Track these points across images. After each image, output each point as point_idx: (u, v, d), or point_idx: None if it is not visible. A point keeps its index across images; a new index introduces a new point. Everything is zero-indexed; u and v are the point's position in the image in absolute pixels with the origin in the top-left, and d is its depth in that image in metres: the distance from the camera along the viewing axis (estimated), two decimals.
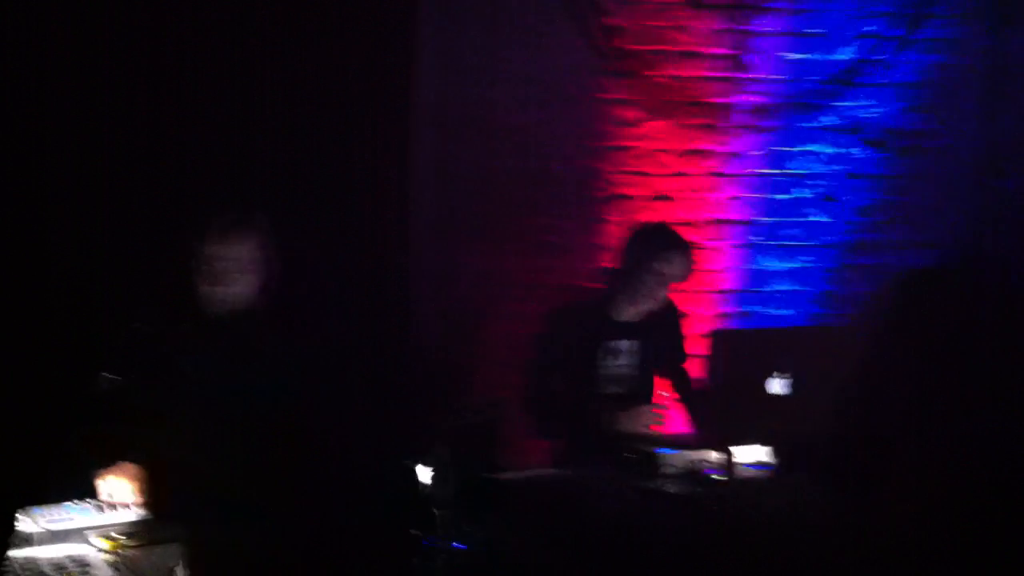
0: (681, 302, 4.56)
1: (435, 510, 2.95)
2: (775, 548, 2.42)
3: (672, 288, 4.33)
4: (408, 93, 4.72)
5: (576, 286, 4.96)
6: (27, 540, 2.89)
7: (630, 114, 5.18)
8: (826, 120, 5.35)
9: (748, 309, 5.36)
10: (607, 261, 4.58)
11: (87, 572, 2.80)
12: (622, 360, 4.33)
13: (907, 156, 5.41)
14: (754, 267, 5.37)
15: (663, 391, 4.54)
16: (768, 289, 5.38)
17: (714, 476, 3.70)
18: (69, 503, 3.12)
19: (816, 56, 5.32)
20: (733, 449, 3.78)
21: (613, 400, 4.25)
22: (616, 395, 4.29)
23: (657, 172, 5.23)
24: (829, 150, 5.38)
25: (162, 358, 3.50)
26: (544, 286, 5.02)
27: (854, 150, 5.38)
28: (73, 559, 2.84)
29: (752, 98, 5.28)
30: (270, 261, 3.60)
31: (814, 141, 5.36)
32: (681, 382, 4.48)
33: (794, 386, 3.72)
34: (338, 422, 3.63)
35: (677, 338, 4.50)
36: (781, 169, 5.35)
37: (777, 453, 3.73)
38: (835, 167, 5.39)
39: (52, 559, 2.83)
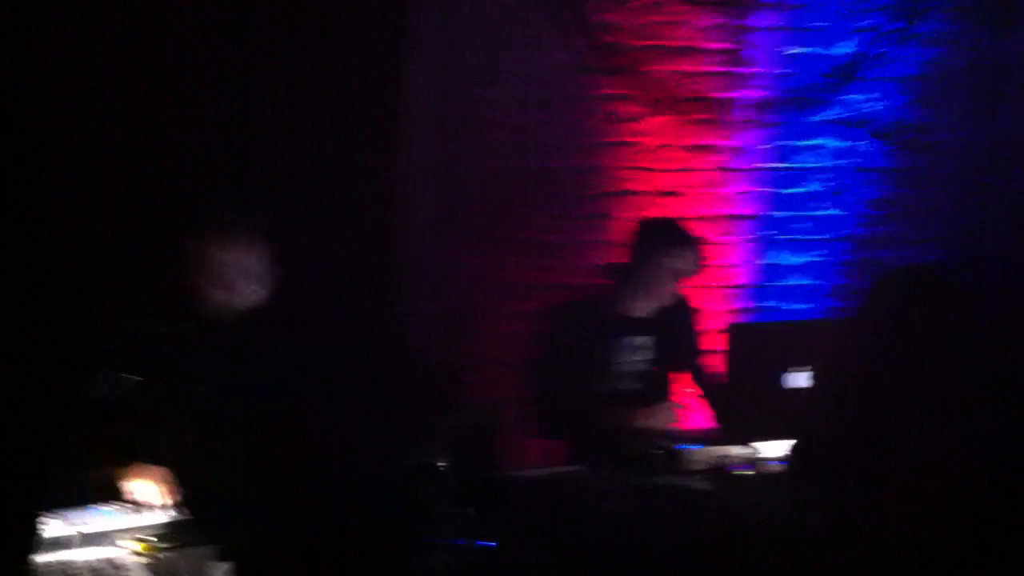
0: (694, 298, 4.54)
1: (435, 510, 2.95)
2: (775, 548, 2.42)
3: (684, 284, 4.31)
4: (408, 93, 4.72)
5: (576, 285, 4.95)
6: (60, 543, 2.90)
7: (631, 110, 5.17)
8: (830, 114, 5.35)
9: (763, 304, 5.35)
10: (613, 257, 4.56)
11: (123, 575, 2.81)
12: (633, 357, 4.29)
13: (914, 150, 5.41)
14: (767, 262, 5.36)
15: (684, 387, 4.52)
16: (783, 284, 5.38)
17: (738, 472, 3.68)
18: (100, 506, 3.12)
19: (816, 50, 5.32)
20: (756, 444, 3.75)
21: (625, 397, 4.22)
22: (628, 392, 4.25)
23: (662, 168, 5.23)
24: (835, 144, 5.38)
25: (162, 358, 3.50)
26: (544, 286, 5.02)
27: (860, 144, 5.38)
28: (109, 562, 2.84)
29: (754, 93, 5.27)
30: (274, 265, 3.60)
31: (820, 135, 5.36)
32: (696, 378, 4.44)
33: (813, 379, 3.68)
34: (338, 422, 3.62)
35: (690, 334, 4.46)
36: (788, 163, 5.35)
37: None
38: (842, 161, 5.39)
39: (88, 562, 2.84)
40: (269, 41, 4.48)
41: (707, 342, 4.50)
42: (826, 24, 5.31)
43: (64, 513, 3.04)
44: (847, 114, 5.36)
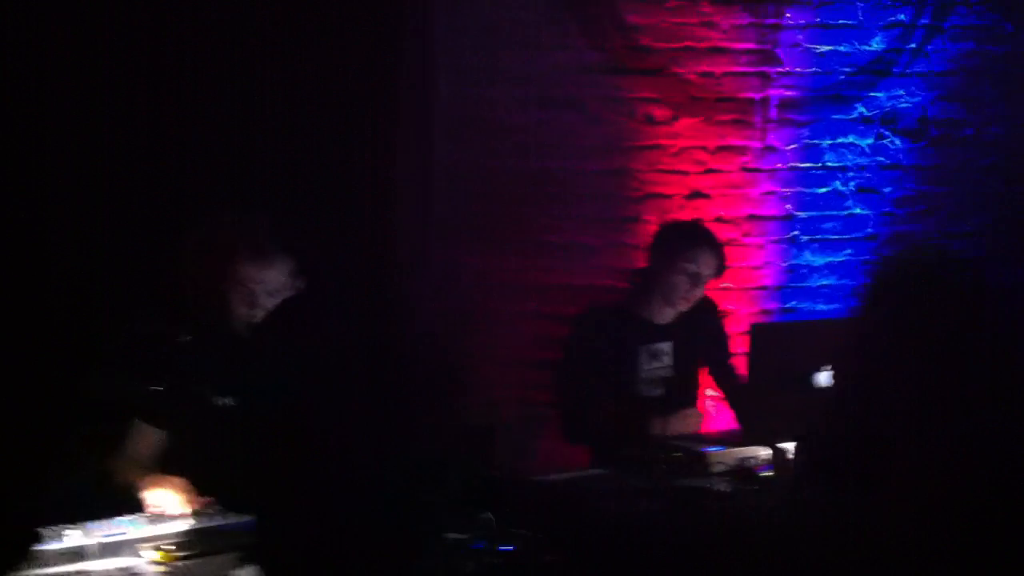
0: (723, 300, 4.52)
1: (438, 511, 2.95)
2: (775, 548, 2.42)
3: (710, 286, 4.27)
4: (408, 93, 4.73)
5: (603, 287, 4.91)
6: (79, 554, 2.89)
7: (658, 112, 5.15)
8: (859, 112, 5.32)
9: (791, 304, 5.32)
10: (639, 261, 4.52)
11: None
12: (656, 362, 4.25)
13: (943, 146, 5.38)
14: (795, 262, 5.33)
15: (709, 390, 4.49)
16: (811, 284, 5.34)
17: (765, 473, 3.66)
18: (120, 516, 3.11)
19: (844, 47, 5.28)
20: (782, 445, 3.72)
21: (649, 403, 4.18)
22: (656, 398, 4.21)
23: (690, 170, 5.20)
24: (864, 142, 5.34)
25: (162, 358, 3.50)
26: (546, 287, 5.02)
27: (889, 141, 5.35)
28: (128, 571, 2.84)
29: (781, 92, 5.25)
30: (296, 279, 3.57)
31: (848, 133, 5.33)
32: (729, 381, 4.38)
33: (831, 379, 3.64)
34: (338, 422, 3.62)
35: (721, 337, 4.41)
36: (815, 163, 5.32)
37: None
38: (871, 159, 5.35)
39: (107, 572, 2.83)
40: (269, 41, 4.48)
41: (734, 344, 4.47)
42: (854, 21, 5.27)
43: (83, 523, 3.03)
44: (875, 112, 5.33)
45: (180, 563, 2.92)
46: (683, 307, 4.22)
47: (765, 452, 3.68)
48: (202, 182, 4.36)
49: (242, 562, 2.83)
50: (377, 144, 4.66)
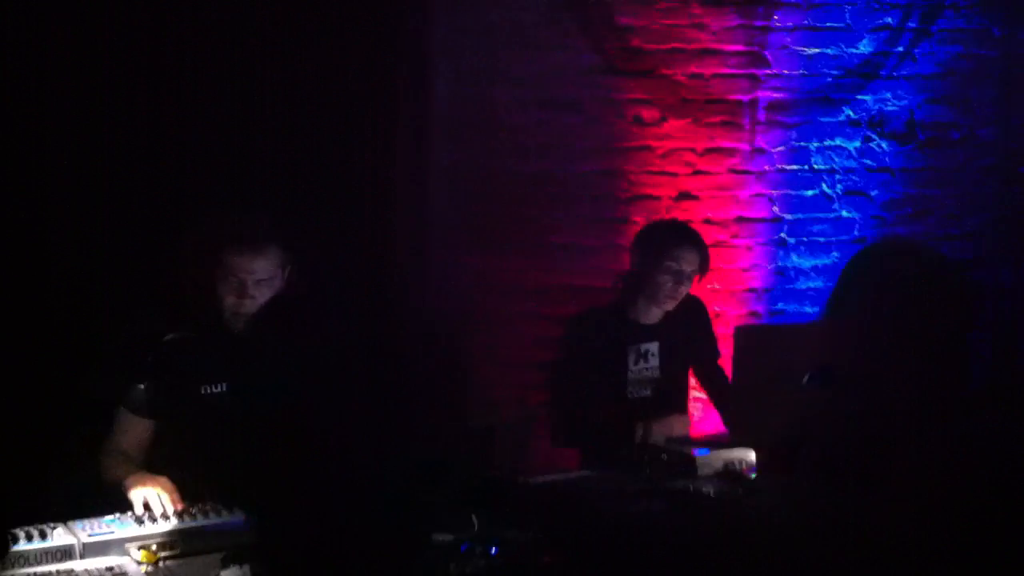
0: (710, 301, 4.51)
1: (437, 510, 2.95)
2: (775, 548, 2.43)
3: (695, 284, 4.26)
4: (408, 93, 4.73)
5: (593, 289, 4.92)
6: (67, 553, 2.90)
7: (647, 113, 5.16)
8: (847, 114, 5.34)
9: (779, 307, 5.33)
10: (623, 263, 4.53)
11: None
12: (648, 363, 4.25)
13: (931, 149, 5.39)
14: (783, 264, 5.34)
15: (696, 392, 4.49)
16: (799, 287, 5.35)
17: (753, 476, 3.66)
18: (108, 516, 3.11)
19: (832, 50, 5.29)
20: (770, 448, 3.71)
21: (638, 404, 4.19)
22: (641, 399, 4.22)
23: (679, 171, 5.20)
24: (852, 144, 5.36)
25: (163, 358, 3.50)
26: (545, 288, 5.02)
27: (877, 144, 5.37)
28: (112, 570, 2.84)
29: (771, 94, 5.26)
30: (293, 274, 3.58)
31: (836, 136, 5.34)
32: (716, 382, 4.40)
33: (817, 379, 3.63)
34: (338, 422, 3.62)
35: (709, 337, 4.42)
36: (804, 165, 5.32)
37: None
38: (859, 162, 5.37)
39: (90, 571, 2.83)
40: (269, 41, 4.48)
41: (722, 346, 4.46)
42: (843, 24, 5.29)
43: (67, 522, 3.04)
44: (863, 114, 5.35)
45: (165, 563, 2.92)
46: (669, 306, 4.23)
47: (752, 455, 3.69)
48: (202, 182, 4.36)
49: (227, 563, 2.83)
50: (377, 144, 4.66)
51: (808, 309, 5.33)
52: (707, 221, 5.15)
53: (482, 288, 5.03)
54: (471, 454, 3.16)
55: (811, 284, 5.36)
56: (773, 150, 5.28)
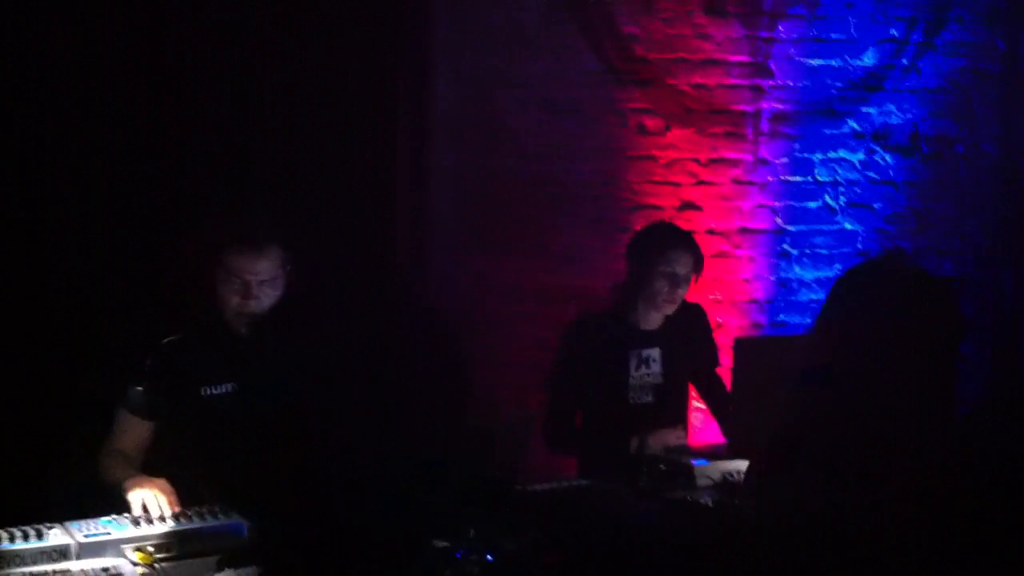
0: (712, 312, 4.50)
1: (437, 511, 2.95)
2: (775, 548, 2.42)
3: (695, 290, 4.26)
4: (408, 94, 4.73)
5: (577, 288, 4.92)
6: (63, 553, 2.90)
7: (651, 123, 5.15)
8: (850, 126, 5.33)
9: (781, 319, 5.32)
10: (623, 264, 4.53)
11: None
12: (650, 369, 4.24)
13: (934, 162, 5.39)
14: (785, 276, 5.34)
15: (695, 400, 4.47)
16: (801, 299, 5.34)
17: (747, 479, 3.64)
18: (100, 516, 3.11)
19: (837, 62, 5.29)
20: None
21: (644, 410, 4.17)
22: (647, 404, 4.20)
23: (682, 181, 5.19)
24: (855, 157, 5.35)
25: (163, 359, 3.50)
26: (546, 289, 5.02)
27: (880, 156, 5.37)
28: (107, 572, 2.84)
29: (775, 105, 5.25)
30: (293, 273, 3.57)
31: (839, 148, 5.33)
32: (716, 391, 4.38)
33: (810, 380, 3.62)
34: (338, 422, 3.62)
35: (710, 343, 4.41)
36: (807, 176, 5.31)
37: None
38: (862, 174, 5.36)
39: (85, 572, 2.83)
40: (269, 41, 4.49)
41: (723, 355, 4.45)
42: (847, 36, 5.28)
43: (63, 523, 3.04)
44: (866, 127, 5.34)
45: (161, 565, 2.93)
46: (669, 310, 4.21)
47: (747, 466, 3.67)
48: (202, 182, 4.36)
49: (223, 565, 2.83)
50: (377, 144, 4.66)
51: (809, 321, 5.31)
52: (710, 231, 5.15)
53: (482, 289, 5.03)
54: (471, 455, 3.15)
55: (813, 296, 5.34)
56: (776, 161, 5.28)
